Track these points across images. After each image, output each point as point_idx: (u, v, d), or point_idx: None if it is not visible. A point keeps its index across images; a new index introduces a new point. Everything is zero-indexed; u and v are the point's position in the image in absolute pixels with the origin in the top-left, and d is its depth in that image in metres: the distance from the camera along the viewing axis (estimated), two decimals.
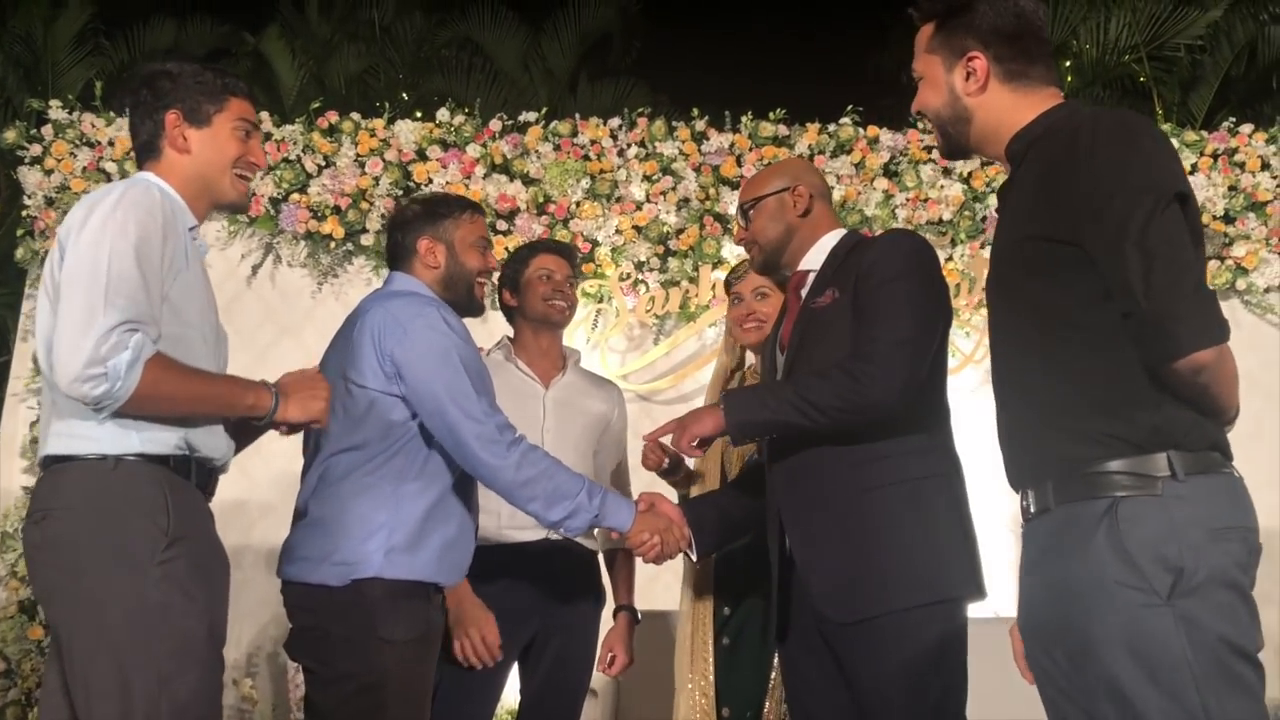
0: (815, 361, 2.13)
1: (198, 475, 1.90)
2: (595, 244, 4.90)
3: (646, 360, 4.91)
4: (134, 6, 7.66)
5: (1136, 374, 1.51)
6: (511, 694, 2.87)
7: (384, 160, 4.94)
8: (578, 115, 5.18)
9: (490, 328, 4.72)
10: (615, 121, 5.08)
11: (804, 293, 2.25)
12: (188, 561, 1.81)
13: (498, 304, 3.10)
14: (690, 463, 2.85)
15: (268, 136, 4.84)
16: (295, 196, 4.90)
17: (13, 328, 5.43)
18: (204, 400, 1.87)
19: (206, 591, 1.84)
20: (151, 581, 1.75)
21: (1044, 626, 1.61)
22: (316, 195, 4.89)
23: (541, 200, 4.92)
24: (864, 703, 2.05)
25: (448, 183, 4.90)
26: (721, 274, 4.78)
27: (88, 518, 1.78)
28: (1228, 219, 4.91)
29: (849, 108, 5.08)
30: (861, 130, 5.03)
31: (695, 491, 2.77)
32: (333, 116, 5.03)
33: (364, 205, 4.91)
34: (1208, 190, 4.88)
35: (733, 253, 4.81)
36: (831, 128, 5.05)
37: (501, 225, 4.89)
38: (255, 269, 4.97)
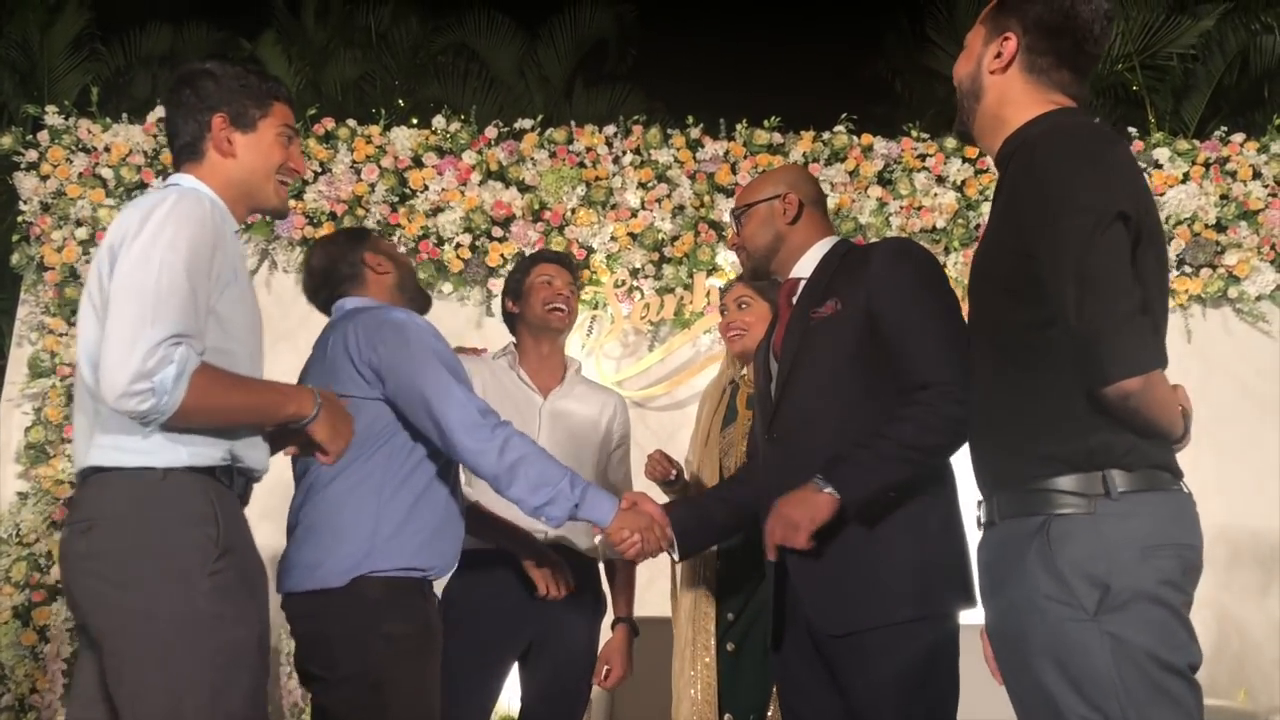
0: (820, 373, 2.12)
1: (239, 486, 1.89)
2: (590, 251, 4.91)
3: (641, 367, 4.92)
4: (130, 12, 7.66)
5: (1078, 395, 1.55)
6: (512, 694, 2.87)
7: (380, 167, 4.95)
8: (573, 122, 5.20)
9: (487, 334, 4.74)
10: (610, 128, 5.10)
11: (795, 300, 2.25)
12: (236, 572, 1.79)
13: (498, 311, 3.09)
14: (688, 471, 2.87)
15: None
16: (291, 202, 4.90)
17: (8, 333, 5.42)
18: (249, 410, 1.85)
19: (254, 601, 1.82)
20: (202, 593, 1.73)
21: (995, 634, 1.69)
22: (312, 201, 4.90)
23: (537, 207, 4.94)
24: (857, 712, 2.05)
25: (443, 189, 4.92)
26: (717, 281, 4.81)
27: (138, 529, 1.75)
28: (1220, 227, 4.94)
29: (843, 116, 5.11)
30: (855, 138, 5.05)
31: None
32: (329, 123, 5.04)
33: (360, 212, 4.92)
34: (1199, 199, 4.90)
35: (728, 260, 4.82)
36: (826, 136, 5.08)
37: (497, 232, 4.91)
38: (251, 275, 4.97)
